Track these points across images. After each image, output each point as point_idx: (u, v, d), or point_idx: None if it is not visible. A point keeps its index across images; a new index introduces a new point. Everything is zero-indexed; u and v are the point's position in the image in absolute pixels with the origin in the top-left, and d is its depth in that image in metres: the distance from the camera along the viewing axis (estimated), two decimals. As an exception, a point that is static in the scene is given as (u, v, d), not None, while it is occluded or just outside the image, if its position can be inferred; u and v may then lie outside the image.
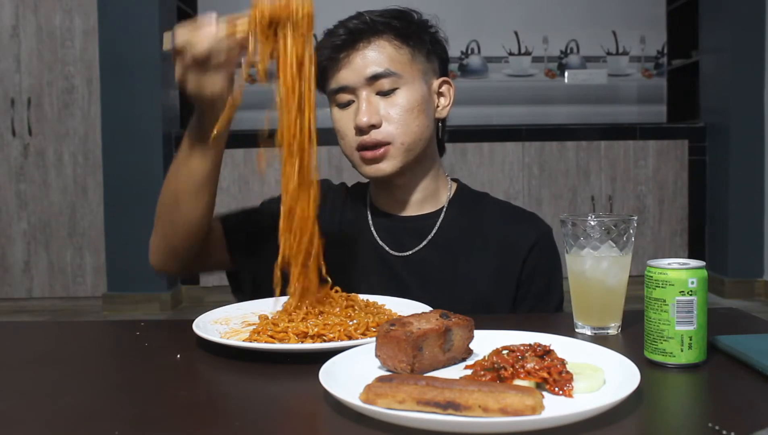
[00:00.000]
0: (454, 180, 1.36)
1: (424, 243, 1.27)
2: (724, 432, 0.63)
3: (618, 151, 4.72)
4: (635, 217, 1.00)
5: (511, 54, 5.26)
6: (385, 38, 1.21)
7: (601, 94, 5.26)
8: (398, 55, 1.21)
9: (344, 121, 1.23)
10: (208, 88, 1.01)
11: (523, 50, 5.26)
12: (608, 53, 5.27)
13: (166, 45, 1.00)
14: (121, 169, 4.36)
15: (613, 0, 5.24)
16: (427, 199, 1.30)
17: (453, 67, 5.18)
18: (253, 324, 1.00)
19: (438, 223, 1.28)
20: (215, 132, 1.06)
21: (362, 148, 1.21)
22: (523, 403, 0.64)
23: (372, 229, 1.30)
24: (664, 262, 0.86)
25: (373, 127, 1.19)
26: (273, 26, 0.99)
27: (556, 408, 0.68)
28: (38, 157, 4.55)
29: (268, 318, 0.98)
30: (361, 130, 1.20)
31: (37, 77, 4.52)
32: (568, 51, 5.26)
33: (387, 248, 1.27)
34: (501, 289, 1.24)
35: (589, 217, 0.99)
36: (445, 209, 1.30)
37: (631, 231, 0.99)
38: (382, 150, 1.19)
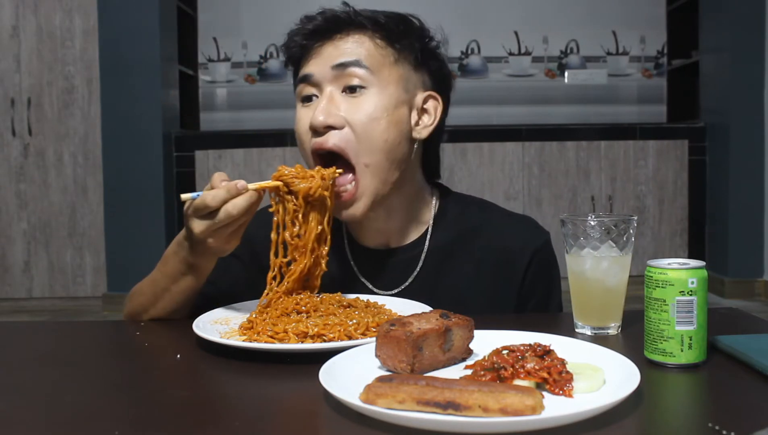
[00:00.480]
0: (434, 185, 1.23)
1: (413, 277, 1.16)
2: (724, 432, 0.63)
3: (618, 151, 4.72)
4: (635, 217, 1.00)
5: (511, 54, 5.26)
6: (367, 34, 1.08)
7: (601, 94, 5.26)
8: (377, 54, 1.08)
9: (303, 121, 1.09)
10: (230, 245, 1.01)
11: (523, 50, 5.26)
12: (608, 53, 5.27)
13: (186, 197, 1.00)
14: (121, 169, 4.37)
15: (613, 0, 5.24)
16: (410, 223, 1.17)
17: (453, 67, 5.18)
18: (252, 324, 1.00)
19: (425, 252, 1.16)
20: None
21: (317, 154, 1.07)
22: (523, 403, 0.64)
23: (351, 263, 1.18)
24: (664, 262, 0.86)
25: (332, 128, 1.05)
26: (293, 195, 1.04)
27: (556, 408, 0.68)
28: (38, 157, 4.55)
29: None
30: (316, 131, 1.06)
31: (37, 77, 4.52)
32: (568, 51, 5.27)
33: (371, 286, 1.16)
34: (501, 305, 1.16)
35: (589, 217, 0.99)
36: (430, 232, 1.17)
37: (631, 231, 0.99)
38: (349, 191, 1.06)
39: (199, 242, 1.00)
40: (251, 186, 0.98)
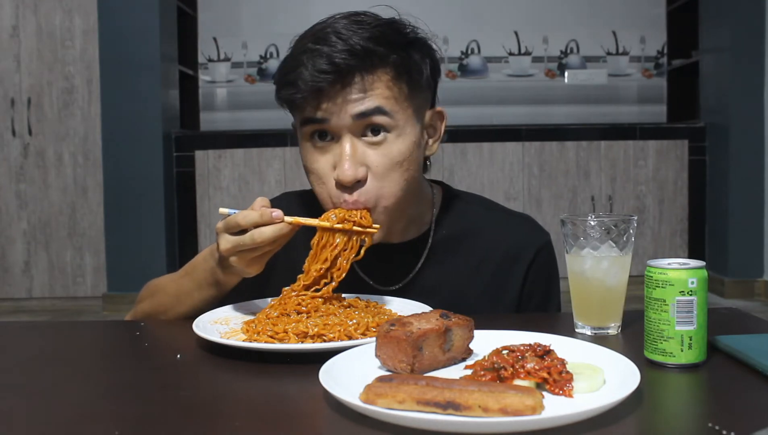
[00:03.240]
0: (435, 182, 1.22)
1: (413, 273, 1.15)
2: (724, 432, 0.63)
3: (618, 151, 4.72)
4: (635, 217, 1.00)
5: (511, 54, 5.26)
6: (379, 72, 1.01)
7: (601, 94, 5.26)
8: (393, 93, 1.02)
9: (321, 164, 1.04)
10: (252, 269, 1.00)
11: (523, 50, 5.26)
12: (608, 53, 5.27)
13: (224, 211, 1.00)
14: (121, 169, 4.37)
15: (613, 0, 5.24)
16: (412, 221, 1.16)
17: (453, 67, 5.18)
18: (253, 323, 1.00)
19: (426, 249, 1.16)
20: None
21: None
22: (523, 403, 0.64)
23: None
24: (664, 262, 0.86)
25: (358, 182, 1.02)
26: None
27: (556, 408, 0.68)
28: (38, 157, 4.55)
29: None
30: (343, 186, 1.03)
31: (37, 77, 4.52)
32: (568, 51, 5.27)
33: (371, 282, 1.15)
34: (502, 303, 1.16)
35: (589, 217, 0.99)
36: (433, 230, 1.17)
37: (631, 231, 0.99)
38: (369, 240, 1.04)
39: (223, 259, 1.00)
40: (289, 219, 0.98)
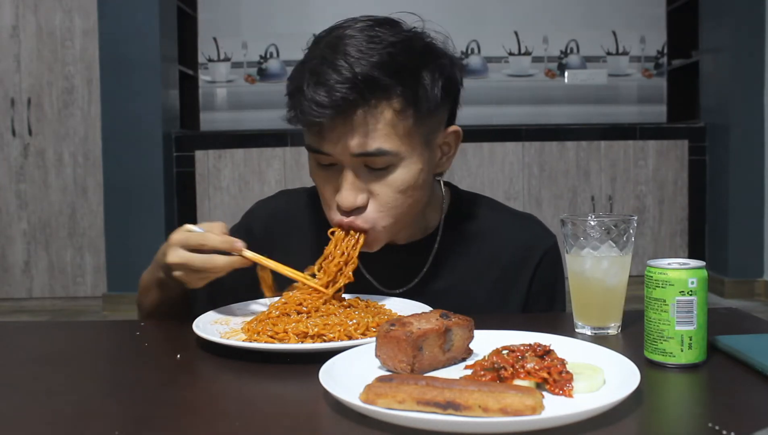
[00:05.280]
0: (444, 183, 1.21)
1: (420, 276, 1.14)
2: (724, 432, 0.63)
3: (618, 151, 4.72)
4: (635, 217, 1.00)
5: (511, 54, 5.26)
6: (382, 106, 0.97)
7: (601, 94, 5.26)
8: (397, 128, 0.98)
9: (324, 184, 1.04)
10: (195, 285, 1.01)
11: (523, 50, 5.26)
12: (608, 53, 5.27)
13: (191, 229, 0.99)
14: (121, 169, 4.37)
15: (613, 0, 5.24)
16: (419, 224, 1.15)
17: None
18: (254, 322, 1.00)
19: (433, 252, 1.15)
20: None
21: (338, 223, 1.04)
22: (523, 403, 0.64)
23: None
24: (664, 262, 0.86)
25: (358, 208, 1.01)
26: None
27: (556, 408, 0.68)
28: (38, 157, 4.55)
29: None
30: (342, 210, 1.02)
31: (37, 77, 4.52)
32: (568, 51, 5.27)
33: (377, 284, 1.14)
34: (509, 305, 1.16)
35: (589, 217, 0.99)
36: (440, 233, 1.16)
37: (631, 231, 0.99)
38: (363, 239, 1.04)
39: (166, 269, 1.01)
40: (248, 254, 0.98)
